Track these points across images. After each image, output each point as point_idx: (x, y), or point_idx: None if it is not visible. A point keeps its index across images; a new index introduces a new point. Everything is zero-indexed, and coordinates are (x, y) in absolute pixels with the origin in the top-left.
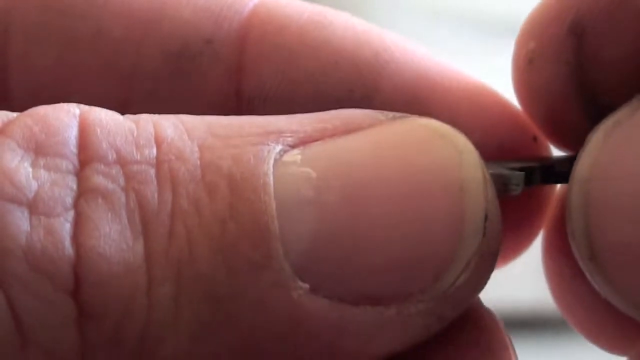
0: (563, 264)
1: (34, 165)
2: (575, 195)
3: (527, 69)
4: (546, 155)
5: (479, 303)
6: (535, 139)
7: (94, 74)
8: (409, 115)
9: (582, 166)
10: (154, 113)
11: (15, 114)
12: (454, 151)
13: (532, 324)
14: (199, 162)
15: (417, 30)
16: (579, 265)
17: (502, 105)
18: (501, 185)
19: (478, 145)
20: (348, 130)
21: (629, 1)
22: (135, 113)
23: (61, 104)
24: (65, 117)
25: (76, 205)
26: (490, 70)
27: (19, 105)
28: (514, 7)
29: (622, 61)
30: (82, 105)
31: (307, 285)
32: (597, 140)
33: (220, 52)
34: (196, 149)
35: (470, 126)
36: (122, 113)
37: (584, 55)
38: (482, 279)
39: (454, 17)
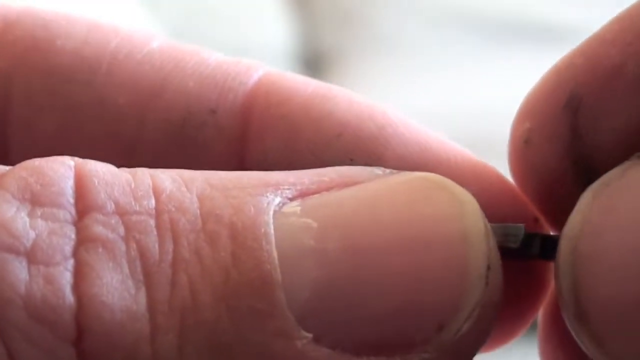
0: (559, 350)
1: (30, 215)
2: (563, 251)
3: (523, 148)
4: None
5: None
6: (536, 220)
7: (96, 141)
8: (407, 171)
9: (571, 224)
10: None
11: (8, 168)
12: (455, 201)
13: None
14: (199, 212)
15: (419, 33)
16: (568, 326)
17: (504, 185)
18: (501, 237)
19: None
20: (345, 183)
21: (625, 69)
22: None
23: (55, 157)
24: (61, 168)
25: (76, 253)
26: (493, 72)
27: None
28: (517, 10)
29: (617, 129)
30: (76, 158)
31: (310, 335)
32: (586, 199)
33: (224, 122)
34: (195, 199)
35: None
36: None
37: (580, 128)
38: (485, 329)
39: (456, 19)
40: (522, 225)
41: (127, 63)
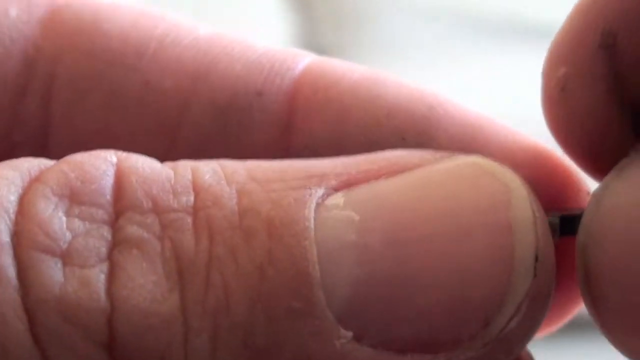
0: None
1: (68, 214)
2: (577, 260)
3: (560, 98)
4: None
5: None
6: (589, 195)
7: (140, 126)
8: (458, 154)
9: (581, 232)
10: None
11: (52, 162)
12: (503, 188)
13: None
14: (236, 208)
15: (419, 33)
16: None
17: (556, 163)
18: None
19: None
20: (395, 171)
21: None
22: None
23: (98, 151)
24: (103, 164)
25: (110, 256)
26: (493, 72)
27: (58, 155)
28: (517, 10)
29: None
30: (119, 152)
31: (350, 334)
32: (591, 206)
33: (270, 105)
34: (234, 194)
35: (525, 181)
36: None
37: (620, 67)
38: (534, 323)
39: (456, 20)
40: (557, 218)
41: (174, 48)
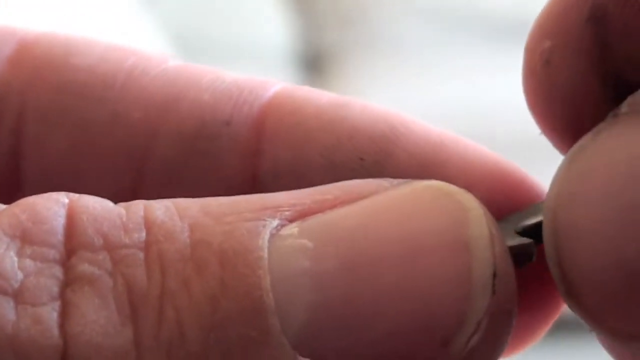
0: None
1: (19, 254)
2: (545, 223)
3: (543, 71)
4: None
5: None
6: None
7: (108, 156)
8: (414, 180)
9: (550, 194)
10: (168, 196)
11: (4, 206)
12: (458, 208)
13: None
14: (188, 241)
15: (419, 33)
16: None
17: (519, 178)
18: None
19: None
20: (350, 199)
21: None
22: (148, 196)
23: (50, 193)
24: (54, 205)
25: (62, 294)
26: (493, 72)
27: (30, 191)
28: (517, 10)
29: None
30: (71, 194)
31: None
32: (563, 166)
33: (238, 134)
34: (186, 227)
35: (485, 196)
36: (136, 197)
37: (608, 39)
38: (498, 340)
39: (456, 20)
40: (531, 242)
41: (142, 79)
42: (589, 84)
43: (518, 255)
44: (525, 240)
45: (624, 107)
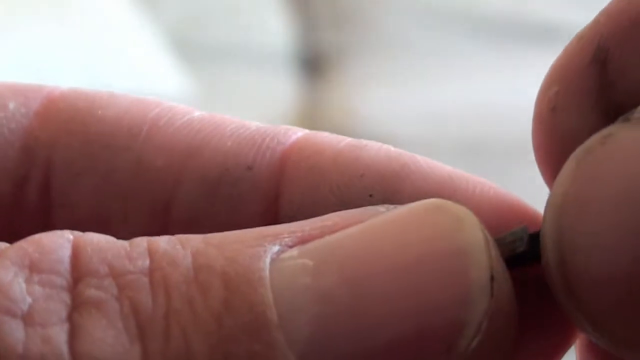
0: None
1: (28, 281)
2: (548, 223)
3: (550, 117)
4: None
5: None
6: None
7: (134, 202)
8: (410, 203)
9: (556, 193)
10: None
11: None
12: (453, 219)
13: None
14: (191, 266)
15: (419, 33)
16: (559, 303)
17: (526, 214)
18: (509, 245)
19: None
20: (349, 224)
21: None
22: None
23: (54, 231)
24: (59, 239)
25: (70, 317)
26: (493, 72)
27: None
28: (517, 10)
29: None
30: (75, 232)
31: None
32: (570, 168)
33: (259, 178)
34: (189, 255)
35: (491, 233)
36: None
37: (610, 76)
38: (500, 342)
39: (456, 20)
40: (524, 226)
41: (167, 128)
42: (592, 122)
43: (509, 259)
44: (517, 243)
45: (637, 112)
